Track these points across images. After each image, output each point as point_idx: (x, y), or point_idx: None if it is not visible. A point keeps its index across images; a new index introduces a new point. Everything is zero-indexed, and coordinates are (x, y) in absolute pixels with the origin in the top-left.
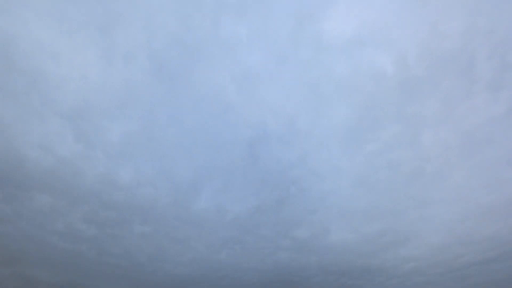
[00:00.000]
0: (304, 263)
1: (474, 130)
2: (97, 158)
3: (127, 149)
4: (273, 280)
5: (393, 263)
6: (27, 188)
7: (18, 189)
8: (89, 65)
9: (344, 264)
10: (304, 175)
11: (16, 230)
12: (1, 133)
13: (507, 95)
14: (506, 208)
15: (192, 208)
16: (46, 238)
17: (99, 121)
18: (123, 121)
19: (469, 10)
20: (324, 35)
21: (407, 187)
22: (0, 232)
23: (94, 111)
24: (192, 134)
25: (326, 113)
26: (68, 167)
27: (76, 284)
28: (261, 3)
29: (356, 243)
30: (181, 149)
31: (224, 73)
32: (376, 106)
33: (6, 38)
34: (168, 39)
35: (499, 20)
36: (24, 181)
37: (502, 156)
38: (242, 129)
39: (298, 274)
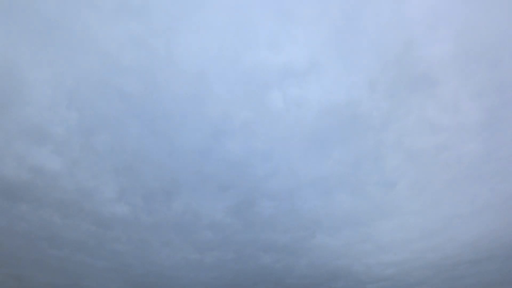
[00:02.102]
0: (290, 265)
1: (441, 152)
2: (76, 173)
3: (104, 164)
4: (266, 281)
5: (379, 268)
6: (10, 199)
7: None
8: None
9: (329, 267)
10: (268, 178)
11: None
12: None
13: (473, 117)
14: (479, 217)
15: (169, 214)
16: (34, 243)
17: (77, 140)
18: (97, 139)
19: (407, 36)
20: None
21: (380, 198)
22: None
23: (71, 132)
24: (158, 146)
25: (280, 129)
26: (48, 181)
27: (70, 284)
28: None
29: (337, 248)
30: (151, 161)
31: (173, 86)
32: (330, 133)
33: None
34: (123, 63)
35: (454, 42)
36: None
37: (469, 173)
38: (197, 137)
39: (289, 276)
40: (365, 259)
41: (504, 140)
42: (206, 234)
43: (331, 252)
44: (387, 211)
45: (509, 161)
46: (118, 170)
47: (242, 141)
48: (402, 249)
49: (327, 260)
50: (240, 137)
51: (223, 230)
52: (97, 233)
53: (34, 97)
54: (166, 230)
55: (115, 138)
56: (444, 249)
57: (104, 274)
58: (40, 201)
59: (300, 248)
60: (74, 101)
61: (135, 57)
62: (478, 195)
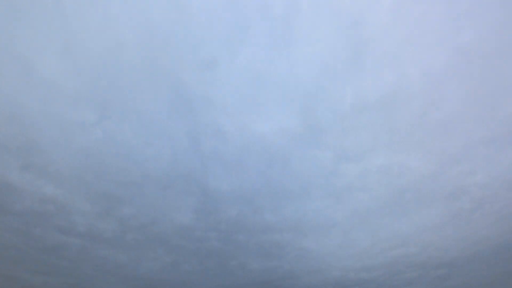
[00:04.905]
0: (274, 268)
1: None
2: (46, 185)
3: (65, 177)
4: (254, 283)
5: (363, 272)
6: None
7: None
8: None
9: (311, 269)
10: (217, 182)
11: None
12: None
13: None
14: (449, 227)
15: (138, 220)
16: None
17: (45, 153)
18: (50, 157)
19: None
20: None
21: (348, 212)
22: None
23: (28, 151)
24: (120, 152)
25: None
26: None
27: (66, 284)
28: None
29: (316, 253)
30: (109, 169)
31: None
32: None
33: None
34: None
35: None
36: None
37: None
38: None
39: (273, 278)
40: (347, 263)
41: (447, 164)
42: (179, 239)
43: (311, 255)
44: (358, 222)
45: (454, 182)
46: (80, 181)
47: (189, 149)
48: (381, 255)
49: (309, 263)
50: (185, 143)
51: (193, 237)
52: (72, 241)
53: None
54: (141, 236)
55: (68, 154)
56: (421, 255)
57: (95, 275)
58: (9, 213)
59: (281, 251)
60: (22, 125)
61: (75, 83)
62: (443, 209)
